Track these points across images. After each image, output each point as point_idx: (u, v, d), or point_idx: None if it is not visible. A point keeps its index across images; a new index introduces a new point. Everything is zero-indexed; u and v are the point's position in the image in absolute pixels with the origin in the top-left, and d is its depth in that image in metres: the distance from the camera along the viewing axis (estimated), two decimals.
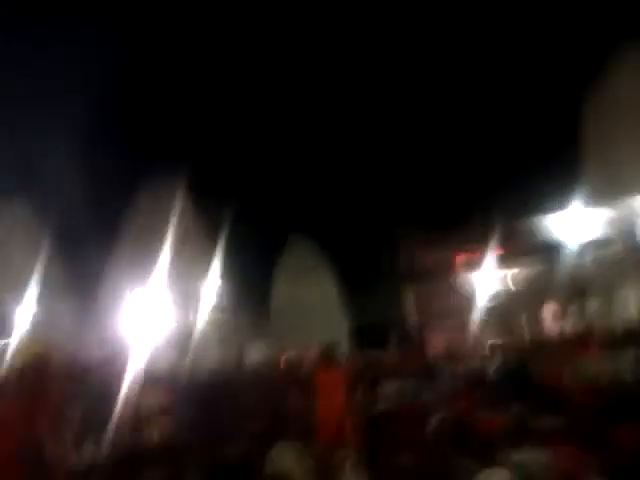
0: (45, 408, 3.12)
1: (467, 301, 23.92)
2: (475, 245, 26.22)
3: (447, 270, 28.81)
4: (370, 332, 25.01)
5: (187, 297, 20.60)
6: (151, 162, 22.76)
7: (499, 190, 27.47)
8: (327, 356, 6.68)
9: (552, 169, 20.41)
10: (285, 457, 5.06)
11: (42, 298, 16.75)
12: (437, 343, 22.83)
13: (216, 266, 20.61)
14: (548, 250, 21.00)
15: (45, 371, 3.24)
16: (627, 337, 7.73)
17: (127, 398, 6.07)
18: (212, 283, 21.15)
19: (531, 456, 4.27)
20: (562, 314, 17.23)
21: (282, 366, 14.89)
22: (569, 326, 13.87)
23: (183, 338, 17.53)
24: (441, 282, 28.54)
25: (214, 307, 20.89)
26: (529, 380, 8.85)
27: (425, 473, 4.45)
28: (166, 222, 19.01)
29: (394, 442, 5.54)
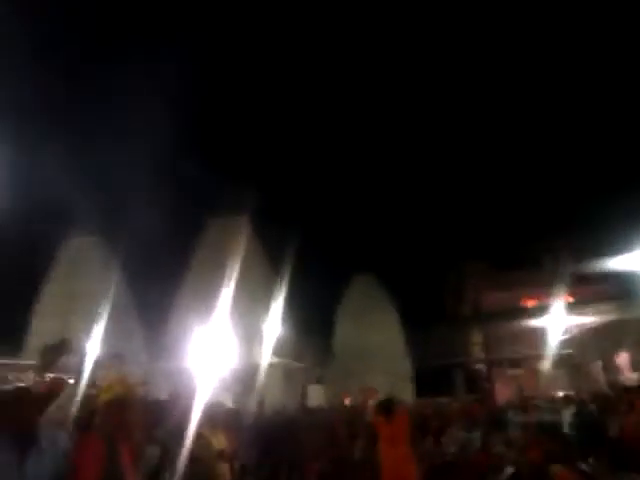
0: (129, 447, 3.17)
1: (537, 347, 23.11)
2: (546, 289, 25.39)
3: (515, 313, 27.94)
4: (434, 376, 24.51)
5: (251, 336, 20.77)
6: (221, 197, 23.35)
7: (572, 233, 26.79)
8: (386, 408, 6.55)
9: (627, 213, 19.74)
10: None
11: (115, 332, 17.23)
12: (505, 390, 22.09)
13: (280, 305, 20.73)
14: (622, 296, 20.11)
15: (129, 408, 3.29)
16: None
17: (198, 437, 6.10)
18: (275, 322, 21.28)
19: None
20: (638, 363, 16.42)
21: (344, 411, 14.72)
22: None
23: (247, 377, 17.60)
24: (509, 325, 27.67)
25: (277, 347, 20.95)
26: (606, 433, 8.43)
27: None
28: (233, 258, 19.32)
29: None
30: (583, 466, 6.49)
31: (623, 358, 18.55)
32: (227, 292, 17.94)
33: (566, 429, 9.43)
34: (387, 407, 6.62)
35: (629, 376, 17.40)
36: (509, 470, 6.21)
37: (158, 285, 22.57)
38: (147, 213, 21.61)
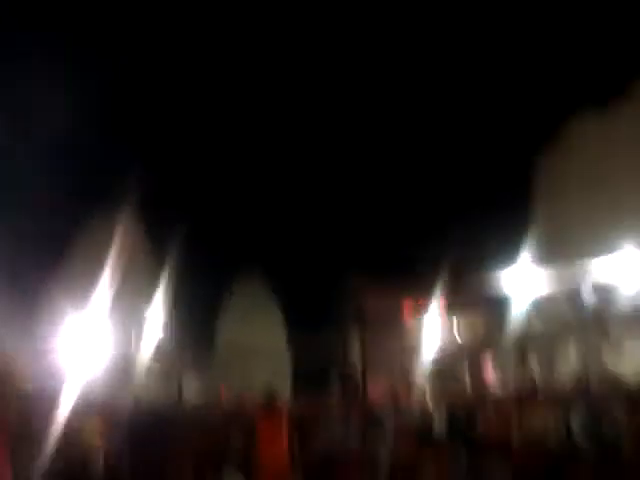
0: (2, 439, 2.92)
1: (413, 350, 24.04)
2: (423, 294, 26.50)
3: (395, 317, 28.96)
4: (314, 376, 24.79)
5: (130, 325, 20.03)
6: (100, 180, 22.35)
7: (450, 241, 28.04)
8: (268, 403, 6.55)
9: (503, 225, 20.99)
10: None
11: None
12: (381, 391, 22.75)
13: (162, 295, 20.14)
14: (495, 304, 21.40)
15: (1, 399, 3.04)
16: (572, 394, 7.84)
17: (66, 426, 5.80)
18: (156, 313, 20.66)
19: None
20: (505, 368, 17.50)
21: (222, 407, 14.55)
22: (512, 380, 14.03)
23: (123, 367, 16.99)
24: (388, 329, 28.63)
25: (157, 338, 20.36)
26: (474, 433, 8.88)
27: None
28: (112, 245, 18.53)
29: None
30: (453, 465, 6.82)
31: (488, 366, 19.70)
32: (107, 281, 17.22)
33: (436, 429, 9.86)
34: (269, 402, 6.60)
35: (492, 382, 18.51)
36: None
37: (34, 271, 21.25)
38: (27, 196, 20.34)
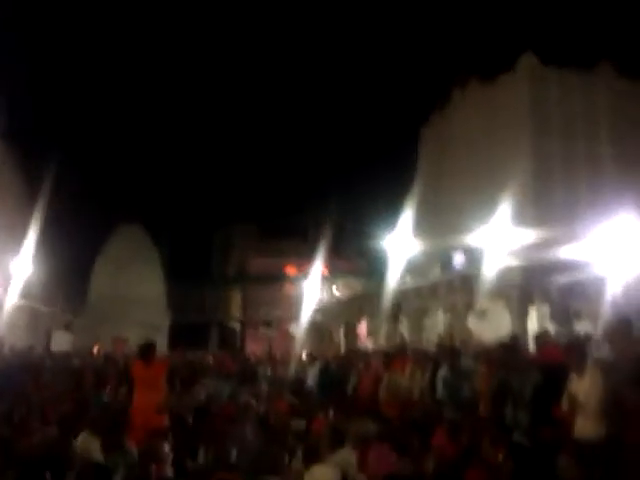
0: None
1: (291, 311, 24.56)
2: (305, 258, 27.05)
3: (275, 279, 29.37)
4: (190, 331, 24.64)
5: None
6: None
7: (334, 207, 28.69)
8: (145, 352, 6.46)
9: (384, 192, 21.67)
10: (92, 444, 4.84)
11: None
12: (257, 348, 23.12)
13: (31, 244, 18.99)
14: (372, 271, 22.25)
15: None
16: (436, 354, 8.33)
17: None
18: (25, 262, 19.48)
19: (347, 456, 4.48)
20: (377, 331, 18.28)
21: (94, 356, 14.16)
22: (383, 342, 14.71)
23: None
24: (268, 289, 29.01)
25: (24, 289, 19.26)
26: (344, 388, 9.25)
27: (243, 464, 4.48)
28: None
29: (209, 437, 5.50)
30: (325, 415, 7.07)
31: (362, 327, 20.49)
32: None
33: (310, 385, 10.18)
34: (146, 351, 6.49)
35: (365, 342, 19.32)
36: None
37: None
38: None
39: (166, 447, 4.61)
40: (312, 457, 4.28)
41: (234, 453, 4.87)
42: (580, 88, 15.08)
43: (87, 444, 4.90)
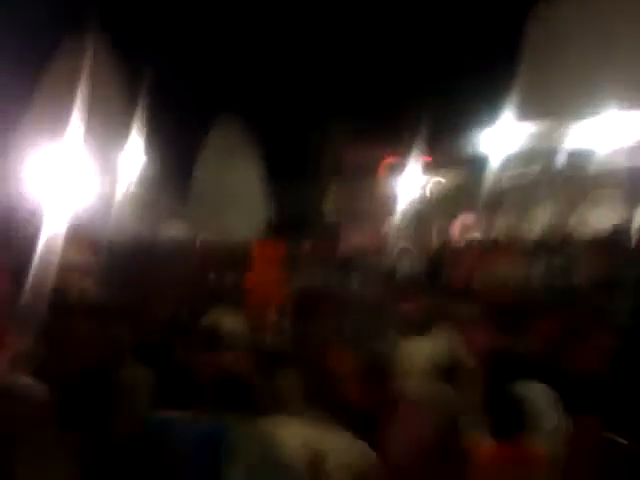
0: None
1: (387, 203, 24.51)
2: (402, 149, 26.55)
3: (372, 171, 29.18)
4: (290, 223, 25.28)
5: (106, 167, 19.87)
6: (71, 16, 21.07)
7: (431, 98, 27.63)
8: (268, 229, 6.78)
9: (484, 82, 20.58)
10: (219, 316, 5.20)
11: None
12: (355, 239, 23.46)
13: (137, 137, 19.79)
14: (471, 162, 21.57)
15: None
16: (538, 246, 8.20)
17: (49, 252, 5.92)
18: (132, 155, 20.43)
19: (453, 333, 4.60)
20: (476, 225, 18.03)
21: (200, 246, 14.92)
22: (483, 236, 14.54)
23: (103, 207, 17.08)
24: (365, 182, 28.95)
25: (133, 180, 20.32)
26: (441, 278, 9.35)
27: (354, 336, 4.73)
28: (87, 82, 17.73)
29: (317, 315, 5.75)
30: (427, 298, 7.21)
31: (467, 218, 20.11)
32: (80, 118, 16.70)
33: (410, 272, 10.35)
34: (268, 231, 6.82)
35: (471, 234, 19.04)
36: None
37: (3, 105, 20.49)
38: None
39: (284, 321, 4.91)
40: (417, 334, 4.42)
41: (343, 328, 5.12)
42: None
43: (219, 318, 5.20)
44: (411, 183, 23.55)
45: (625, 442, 2.83)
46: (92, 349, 4.04)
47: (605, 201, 13.04)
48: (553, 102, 14.92)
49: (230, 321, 4.89)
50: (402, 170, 24.69)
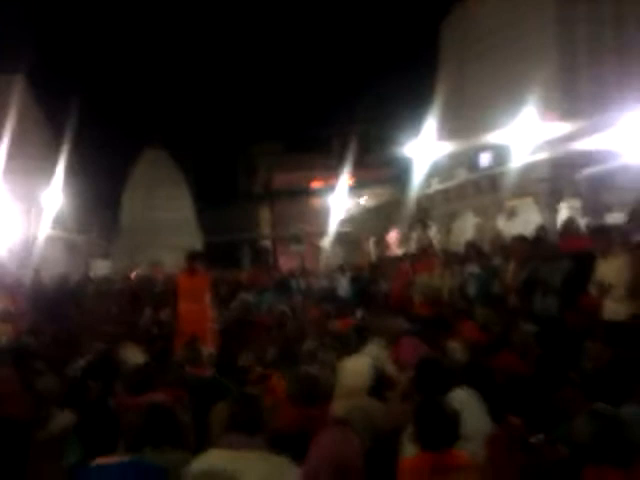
0: None
1: (319, 225, 24.75)
2: (331, 170, 26.93)
3: (302, 193, 29.43)
4: (223, 251, 25.08)
5: (29, 207, 19.21)
6: None
7: (356, 117, 28.24)
8: (192, 258, 6.68)
9: (406, 102, 21.20)
10: (135, 354, 5.13)
11: None
12: (289, 263, 23.53)
13: (61, 175, 19.22)
14: (396, 180, 22.09)
15: None
16: (460, 257, 8.42)
17: None
18: (56, 193, 19.80)
19: (376, 349, 4.68)
20: (406, 239, 18.38)
21: (133, 279, 14.60)
22: (412, 249, 14.80)
23: (26, 249, 16.47)
24: (295, 204, 29.15)
25: (58, 219, 19.69)
26: (375, 294, 9.49)
27: (283, 360, 4.73)
28: (8, 119, 17.20)
29: (247, 342, 5.75)
30: (356, 317, 7.32)
31: (392, 236, 20.54)
32: (0, 156, 16.17)
33: (342, 292, 10.46)
34: (194, 258, 6.73)
35: (396, 251, 19.45)
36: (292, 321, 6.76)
37: None
38: None
39: (206, 350, 4.87)
40: (344, 352, 4.48)
41: (273, 353, 5.12)
42: None
43: (130, 354, 5.18)
44: (339, 204, 23.88)
45: (543, 443, 2.93)
46: (16, 400, 3.89)
47: (521, 210, 13.61)
48: (469, 115, 15.47)
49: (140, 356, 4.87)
50: (331, 190, 25.03)
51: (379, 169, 27.74)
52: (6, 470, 2.45)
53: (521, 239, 6.87)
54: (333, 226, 22.79)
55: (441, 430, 2.93)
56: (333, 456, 3.03)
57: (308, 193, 29.26)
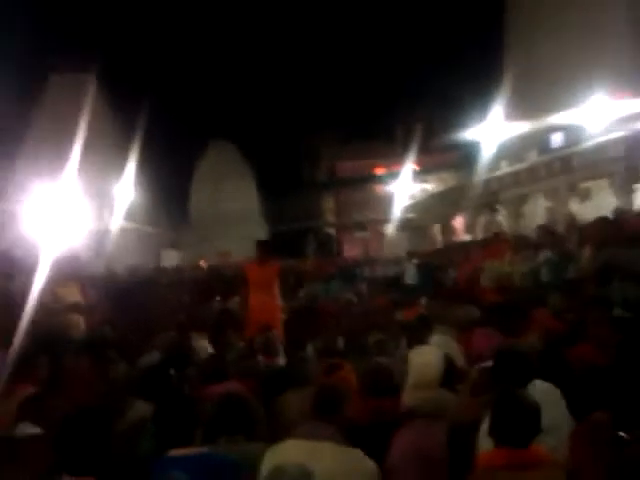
0: None
1: (384, 212, 24.56)
2: (395, 157, 26.65)
3: (365, 181, 29.27)
4: (289, 240, 25.31)
5: (102, 200, 19.92)
6: (64, 52, 21.37)
7: (420, 104, 27.80)
8: (263, 247, 6.75)
9: (472, 85, 20.69)
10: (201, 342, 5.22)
11: None
12: (354, 250, 23.49)
13: (132, 169, 19.86)
14: (465, 162, 21.63)
15: None
16: (532, 242, 8.18)
17: (43, 294, 5.90)
18: (127, 187, 20.48)
19: (444, 339, 4.58)
20: (473, 224, 18.02)
21: (203, 270, 14.90)
22: (480, 235, 14.51)
23: (98, 241, 17.09)
24: (359, 192, 29.03)
25: (129, 211, 20.35)
26: (443, 281, 9.33)
27: (351, 350, 4.72)
28: (81, 117, 17.84)
29: (316, 332, 5.74)
30: (422, 305, 7.21)
31: (458, 221, 20.23)
32: (75, 153, 16.75)
33: (409, 279, 10.32)
34: (264, 247, 6.79)
35: (463, 237, 19.12)
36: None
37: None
38: None
39: (278, 340, 4.89)
40: (412, 342, 4.40)
41: (341, 342, 5.10)
42: None
43: (201, 343, 5.28)
44: (404, 190, 23.61)
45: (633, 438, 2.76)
46: (93, 389, 4.00)
47: (595, 193, 13.07)
48: (539, 95, 14.97)
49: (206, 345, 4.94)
50: (395, 176, 24.76)
51: (444, 153, 27.30)
52: (89, 459, 2.52)
53: (601, 221, 6.57)
54: (397, 213, 22.62)
55: (520, 424, 2.81)
56: (418, 449, 2.98)
57: (372, 180, 29.10)
